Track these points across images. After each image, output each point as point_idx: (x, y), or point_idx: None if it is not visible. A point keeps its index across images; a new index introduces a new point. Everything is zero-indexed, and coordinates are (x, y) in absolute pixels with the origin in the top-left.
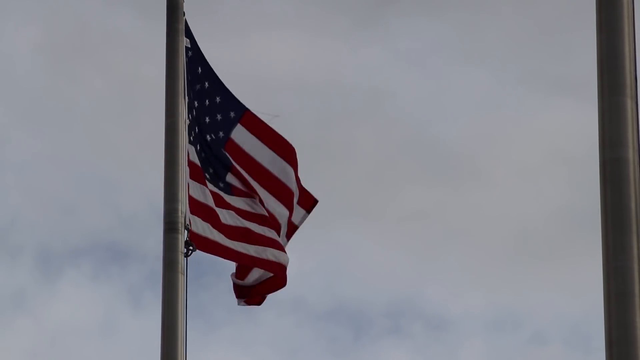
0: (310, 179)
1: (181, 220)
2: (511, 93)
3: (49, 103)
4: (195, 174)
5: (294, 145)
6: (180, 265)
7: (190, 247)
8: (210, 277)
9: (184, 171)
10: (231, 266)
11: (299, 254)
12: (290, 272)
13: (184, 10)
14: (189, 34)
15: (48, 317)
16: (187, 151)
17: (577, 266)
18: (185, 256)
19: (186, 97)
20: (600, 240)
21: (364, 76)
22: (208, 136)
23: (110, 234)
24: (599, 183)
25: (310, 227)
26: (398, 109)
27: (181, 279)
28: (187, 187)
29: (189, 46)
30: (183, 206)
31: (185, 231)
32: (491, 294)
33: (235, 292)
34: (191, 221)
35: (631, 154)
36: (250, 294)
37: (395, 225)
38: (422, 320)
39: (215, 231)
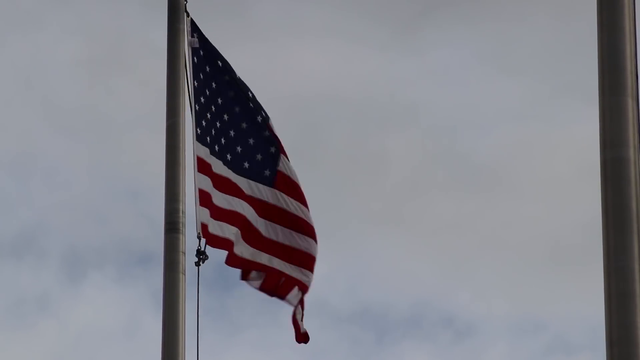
0: (343, 189)
1: (182, 220)
2: (546, 104)
3: (85, 115)
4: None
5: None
6: (181, 266)
7: (202, 257)
8: (233, 280)
9: (184, 171)
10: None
11: (324, 258)
12: (315, 275)
13: (187, 10)
14: (197, 34)
15: (72, 320)
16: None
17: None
18: (196, 265)
19: (197, 97)
20: (601, 240)
21: (398, 88)
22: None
23: (138, 240)
24: (599, 183)
25: (338, 233)
26: (432, 120)
27: (182, 279)
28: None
29: (197, 46)
30: (184, 206)
31: (198, 239)
32: (518, 300)
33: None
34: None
35: (632, 153)
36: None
37: (425, 234)
38: (446, 323)
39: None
